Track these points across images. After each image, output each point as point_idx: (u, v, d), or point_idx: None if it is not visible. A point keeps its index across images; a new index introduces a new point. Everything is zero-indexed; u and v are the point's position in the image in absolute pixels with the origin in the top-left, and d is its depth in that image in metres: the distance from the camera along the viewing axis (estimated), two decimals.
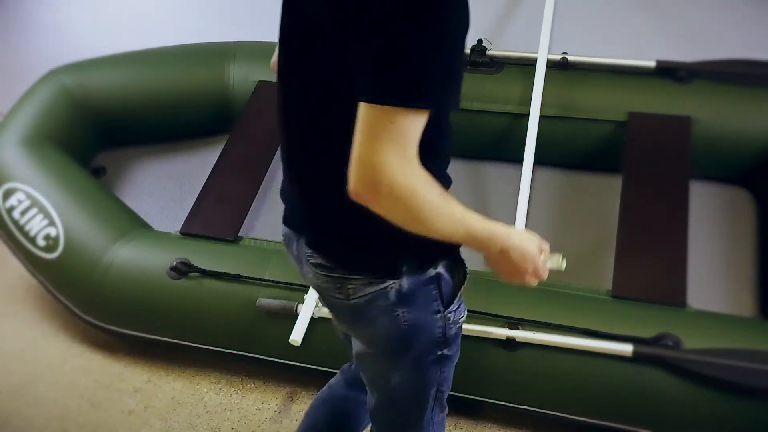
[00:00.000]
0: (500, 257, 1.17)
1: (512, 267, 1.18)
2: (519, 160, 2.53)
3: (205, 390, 2.25)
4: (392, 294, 1.22)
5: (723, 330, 1.81)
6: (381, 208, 1.04)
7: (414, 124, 1.00)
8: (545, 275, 1.22)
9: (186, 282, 2.11)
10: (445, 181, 1.24)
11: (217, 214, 2.30)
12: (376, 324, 1.26)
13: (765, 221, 2.24)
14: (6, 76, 3.46)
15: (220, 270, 2.10)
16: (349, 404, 1.73)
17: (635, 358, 1.77)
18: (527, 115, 2.39)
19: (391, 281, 1.22)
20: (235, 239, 2.23)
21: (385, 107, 0.98)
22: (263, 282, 2.05)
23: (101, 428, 2.16)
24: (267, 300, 2.02)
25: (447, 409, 1.48)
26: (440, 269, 1.24)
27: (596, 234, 2.30)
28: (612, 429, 1.86)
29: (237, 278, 2.07)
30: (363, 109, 1.00)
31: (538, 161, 2.52)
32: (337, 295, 1.27)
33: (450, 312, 1.28)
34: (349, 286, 1.24)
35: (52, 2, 3.84)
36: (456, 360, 1.39)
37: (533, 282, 1.21)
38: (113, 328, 2.24)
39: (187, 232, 2.27)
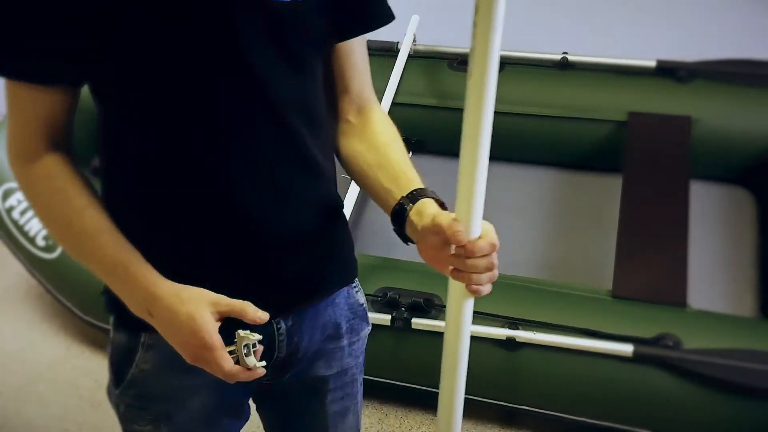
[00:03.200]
0: (161, 324, 0.88)
1: (179, 340, 0.88)
2: (519, 160, 2.54)
3: None
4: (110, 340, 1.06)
5: (723, 330, 1.80)
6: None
7: (11, 98, 0.86)
8: (236, 373, 0.88)
9: None
10: (171, 236, 0.93)
11: None
12: None
13: (765, 221, 2.24)
14: None
15: None
16: None
17: (635, 359, 1.76)
18: (527, 116, 2.39)
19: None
20: None
21: None
22: None
23: (101, 428, 2.16)
24: None
25: None
26: (113, 333, 1.02)
27: (596, 234, 2.30)
28: (612, 429, 1.86)
29: None
30: None
31: (538, 161, 2.52)
32: None
33: (120, 395, 1.03)
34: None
35: None
36: None
37: (220, 373, 0.88)
38: None
39: None
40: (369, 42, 3.01)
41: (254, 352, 0.89)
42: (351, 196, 2.17)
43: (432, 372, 1.98)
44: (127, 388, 1.01)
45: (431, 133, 2.53)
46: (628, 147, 2.24)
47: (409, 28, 2.59)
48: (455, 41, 2.52)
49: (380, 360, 1.89)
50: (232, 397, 1.06)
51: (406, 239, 0.96)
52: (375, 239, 2.42)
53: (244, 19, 0.85)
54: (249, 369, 0.89)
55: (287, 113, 0.92)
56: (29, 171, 0.89)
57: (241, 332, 0.88)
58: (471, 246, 0.85)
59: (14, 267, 2.59)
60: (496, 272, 0.88)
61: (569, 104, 2.37)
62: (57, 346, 2.43)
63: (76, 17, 0.80)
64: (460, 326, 0.97)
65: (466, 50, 2.67)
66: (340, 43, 0.99)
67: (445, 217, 0.87)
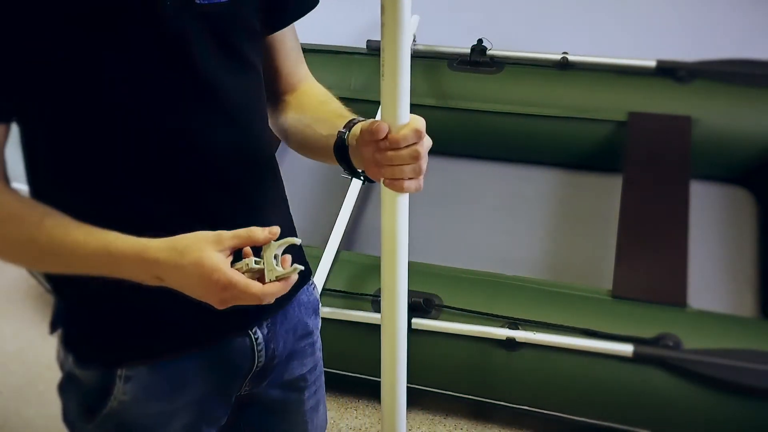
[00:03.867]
0: (175, 283, 0.82)
1: (200, 292, 0.82)
2: (519, 160, 2.54)
3: None
4: (64, 374, 1.03)
5: (723, 330, 1.80)
6: None
7: None
8: (272, 293, 0.81)
9: None
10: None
11: None
12: None
13: (765, 221, 2.24)
14: None
15: None
16: None
17: (635, 359, 1.76)
18: (527, 116, 2.39)
19: (64, 358, 1.04)
20: None
21: None
22: None
23: None
24: None
25: None
26: (76, 369, 1.00)
27: (596, 234, 2.30)
28: (612, 429, 1.86)
29: None
30: None
31: (538, 161, 2.53)
32: None
33: (96, 428, 1.03)
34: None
35: None
36: None
37: (255, 302, 0.81)
38: None
39: None
40: (369, 42, 3.00)
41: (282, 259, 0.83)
42: (351, 196, 2.17)
43: (432, 372, 1.98)
44: (104, 421, 1.00)
45: (431, 132, 2.52)
46: (628, 147, 2.24)
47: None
48: (455, 41, 2.52)
49: (380, 360, 1.89)
50: (213, 412, 1.05)
51: (356, 172, 0.92)
52: (375, 239, 2.42)
53: (189, 24, 0.83)
54: (279, 279, 0.82)
55: (239, 115, 0.92)
56: None
57: (273, 242, 0.82)
58: (394, 136, 0.82)
59: (14, 267, 2.60)
60: (423, 164, 0.84)
61: (569, 104, 2.37)
62: (57, 346, 2.43)
63: (21, 52, 0.78)
64: (396, 233, 0.94)
65: (467, 50, 2.66)
66: (272, 35, 0.99)
67: (368, 121, 0.84)
